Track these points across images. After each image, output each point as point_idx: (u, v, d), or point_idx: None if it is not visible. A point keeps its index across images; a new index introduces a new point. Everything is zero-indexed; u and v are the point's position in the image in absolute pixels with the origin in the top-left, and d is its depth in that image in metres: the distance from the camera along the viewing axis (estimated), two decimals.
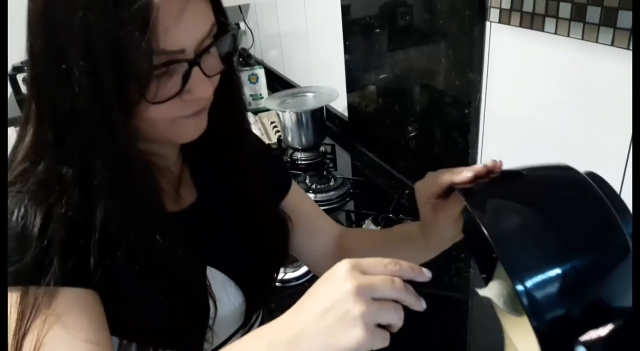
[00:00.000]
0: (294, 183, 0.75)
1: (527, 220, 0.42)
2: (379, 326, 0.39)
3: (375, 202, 1.31)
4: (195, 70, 0.48)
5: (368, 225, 1.17)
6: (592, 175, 0.45)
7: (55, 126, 0.48)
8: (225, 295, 0.62)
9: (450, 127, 1.13)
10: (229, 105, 0.59)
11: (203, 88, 0.49)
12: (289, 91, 1.66)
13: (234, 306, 0.63)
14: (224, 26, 0.51)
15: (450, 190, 0.54)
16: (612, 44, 0.72)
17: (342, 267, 0.40)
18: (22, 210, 0.48)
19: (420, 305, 0.41)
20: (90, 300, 0.49)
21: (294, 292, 1.00)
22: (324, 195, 1.32)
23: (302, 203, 0.75)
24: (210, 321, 0.58)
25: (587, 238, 0.41)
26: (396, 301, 0.40)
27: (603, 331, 0.41)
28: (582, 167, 0.47)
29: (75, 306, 0.47)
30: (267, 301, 0.76)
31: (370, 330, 0.38)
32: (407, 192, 1.31)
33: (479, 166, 0.50)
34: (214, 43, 0.50)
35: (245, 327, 0.67)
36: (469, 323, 0.94)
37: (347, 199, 1.35)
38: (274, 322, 0.42)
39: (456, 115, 1.09)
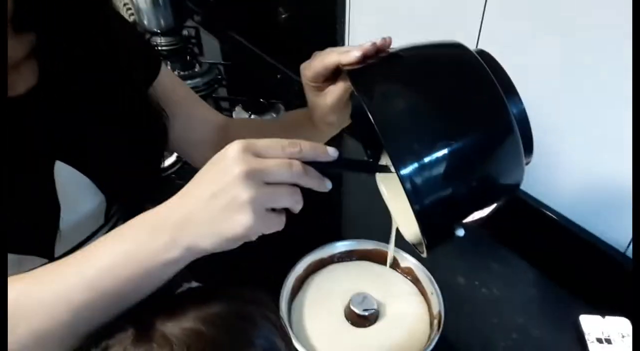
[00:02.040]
0: (164, 65, 0.65)
1: (412, 103, 0.40)
2: (274, 210, 0.37)
3: (247, 88, 1.25)
4: None
5: (239, 112, 1.12)
6: (481, 53, 0.44)
7: None
8: (79, 194, 0.54)
9: (318, 5, 1.07)
10: None
11: None
12: None
13: (90, 206, 0.57)
14: None
15: (337, 71, 0.50)
16: None
17: (233, 149, 0.37)
18: None
19: (324, 185, 0.39)
20: None
21: (162, 184, 0.94)
22: (189, 82, 1.22)
23: (175, 87, 0.66)
24: (61, 224, 0.52)
25: (472, 119, 0.40)
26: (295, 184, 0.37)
27: (484, 213, 0.42)
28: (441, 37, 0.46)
29: None
30: (133, 199, 0.69)
31: (260, 216, 0.36)
32: (278, 76, 1.26)
33: (367, 44, 0.46)
34: None
35: (105, 227, 0.61)
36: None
37: (216, 86, 1.27)
38: (159, 207, 0.38)
39: None
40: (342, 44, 1.06)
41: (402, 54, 0.45)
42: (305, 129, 0.61)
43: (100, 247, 0.40)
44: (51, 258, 0.53)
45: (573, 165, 0.72)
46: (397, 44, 0.46)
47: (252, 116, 1.08)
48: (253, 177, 0.36)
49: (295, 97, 1.19)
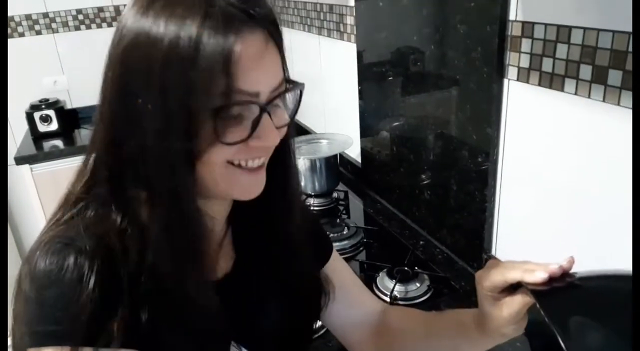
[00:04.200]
0: (334, 251, 0.72)
1: (608, 341, 0.40)
2: None
3: (389, 253, 1.28)
4: (265, 117, 0.48)
5: (382, 277, 1.14)
6: None
7: (119, 164, 0.49)
8: None
9: (467, 179, 1.12)
10: (283, 167, 0.58)
11: (271, 135, 0.50)
12: (303, 137, 1.67)
13: None
14: (288, 82, 0.53)
15: (516, 285, 0.50)
16: (630, 107, 0.71)
17: None
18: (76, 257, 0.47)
19: None
20: None
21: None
22: (337, 244, 1.29)
23: (343, 272, 0.72)
24: None
25: None
26: None
27: None
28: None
29: None
30: None
31: None
32: (421, 243, 1.29)
33: (554, 267, 0.46)
34: (284, 94, 0.51)
35: None
36: None
37: (361, 248, 1.33)
38: None
39: (473, 168, 1.09)
40: (491, 221, 1.08)
41: (589, 282, 0.45)
42: (472, 333, 0.59)
43: None
44: None
45: None
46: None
47: (397, 284, 1.09)
48: None
49: (438, 266, 1.19)
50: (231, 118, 0.47)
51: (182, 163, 0.47)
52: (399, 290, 1.09)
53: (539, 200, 0.96)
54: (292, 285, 0.62)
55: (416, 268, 1.16)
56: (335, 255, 0.71)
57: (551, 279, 0.46)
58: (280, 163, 0.57)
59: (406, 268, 1.15)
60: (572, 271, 0.47)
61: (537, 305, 0.43)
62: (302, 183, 1.55)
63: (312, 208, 1.55)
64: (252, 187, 0.53)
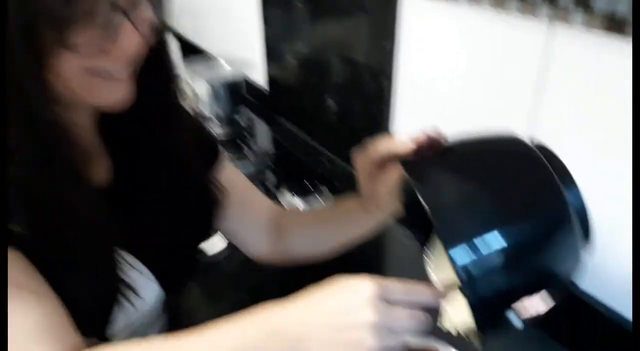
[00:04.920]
0: (223, 156, 0.69)
1: (467, 192, 0.41)
2: None
3: (295, 175, 1.29)
4: (120, 16, 0.42)
5: (285, 195, 1.15)
6: (538, 145, 0.45)
7: None
8: (139, 282, 0.57)
9: (367, 98, 1.13)
10: (159, 75, 0.53)
11: (130, 39, 0.44)
12: (203, 61, 1.58)
13: (147, 295, 0.59)
14: None
15: (391, 160, 0.52)
16: (522, 13, 0.73)
17: (367, 291, 0.39)
18: None
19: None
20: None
21: (208, 268, 0.97)
22: (242, 169, 1.28)
23: (234, 176, 0.70)
24: (122, 310, 0.54)
25: (528, 207, 0.41)
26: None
27: (539, 304, 0.42)
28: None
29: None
30: (183, 285, 0.71)
31: None
32: (327, 163, 1.31)
33: (421, 135, 0.47)
34: None
35: (152, 310, 0.63)
36: None
37: (266, 173, 1.32)
38: (281, 310, 0.41)
39: (373, 87, 1.09)
40: (388, 133, 1.10)
41: (455, 145, 0.46)
42: (357, 217, 0.62)
43: (221, 335, 0.42)
44: (103, 335, 0.54)
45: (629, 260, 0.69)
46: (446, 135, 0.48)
47: (298, 199, 1.11)
48: (381, 328, 0.39)
49: (339, 181, 1.22)
50: (77, 19, 0.41)
51: (28, 71, 0.41)
52: (303, 207, 1.11)
53: (434, 113, 0.99)
54: (180, 193, 0.60)
55: (321, 186, 1.18)
56: (224, 160, 0.69)
57: (420, 147, 0.47)
58: (155, 71, 0.52)
59: (308, 184, 1.17)
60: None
61: (404, 172, 0.44)
62: (205, 109, 1.49)
63: (216, 134, 1.50)
64: (113, 96, 0.48)
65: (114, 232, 0.53)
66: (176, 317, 0.67)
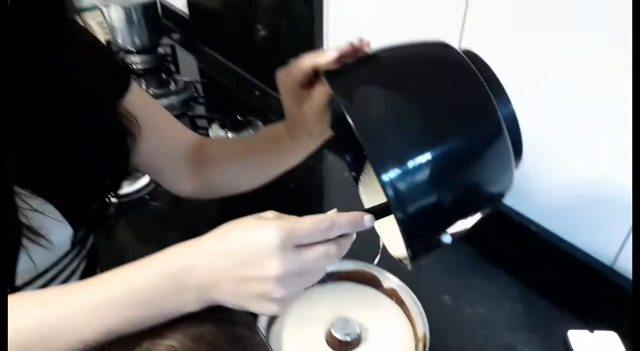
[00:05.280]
0: (134, 83, 0.62)
1: (395, 105, 0.38)
2: None
3: (223, 106, 1.22)
4: None
5: (216, 130, 1.09)
6: (468, 53, 0.42)
7: None
8: (44, 224, 0.51)
9: (296, 22, 1.05)
10: None
11: None
12: None
13: (56, 233, 0.53)
14: None
15: (316, 77, 0.48)
16: None
17: (273, 240, 0.37)
18: None
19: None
20: None
21: (131, 207, 0.91)
22: (164, 100, 1.19)
23: (147, 105, 0.63)
24: (26, 251, 0.48)
25: (458, 120, 0.38)
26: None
27: (470, 222, 0.40)
28: None
29: None
30: (101, 223, 0.65)
31: (284, 305, 0.39)
32: (256, 92, 1.24)
33: (344, 45, 0.43)
34: None
35: (70, 254, 0.57)
36: None
37: (193, 104, 1.24)
38: (185, 259, 0.38)
39: (301, 9, 1.02)
40: None
41: (383, 54, 0.42)
42: (285, 144, 0.58)
43: (119, 283, 0.39)
44: (12, 286, 0.49)
45: (557, 177, 0.71)
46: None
47: (229, 134, 1.05)
48: (288, 277, 0.37)
49: (273, 114, 1.17)
50: None
51: None
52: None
53: (365, 31, 0.94)
54: (87, 127, 0.53)
55: (250, 117, 1.12)
56: (136, 88, 0.62)
57: (343, 58, 0.44)
58: None
59: (239, 117, 1.10)
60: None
61: (328, 84, 0.40)
62: (120, 39, 1.35)
63: (135, 67, 1.38)
64: None
65: (11, 167, 0.46)
66: (103, 259, 0.62)
